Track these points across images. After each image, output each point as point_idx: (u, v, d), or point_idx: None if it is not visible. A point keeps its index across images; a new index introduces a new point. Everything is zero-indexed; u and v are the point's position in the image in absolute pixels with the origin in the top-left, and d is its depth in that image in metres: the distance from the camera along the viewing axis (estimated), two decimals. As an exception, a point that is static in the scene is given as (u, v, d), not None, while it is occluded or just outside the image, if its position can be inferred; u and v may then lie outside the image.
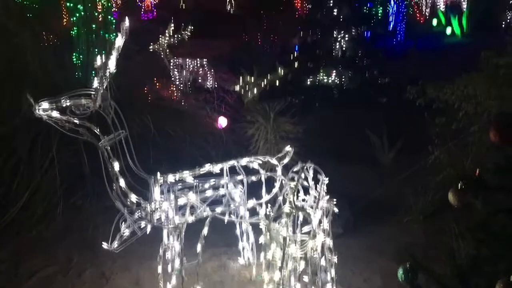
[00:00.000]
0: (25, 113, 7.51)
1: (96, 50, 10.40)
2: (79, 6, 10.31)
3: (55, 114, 4.44)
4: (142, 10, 26.55)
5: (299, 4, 22.80)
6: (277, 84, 15.27)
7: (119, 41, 4.85)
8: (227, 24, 22.98)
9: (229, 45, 19.77)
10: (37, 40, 10.19)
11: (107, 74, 4.53)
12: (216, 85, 14.49)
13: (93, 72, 9.64)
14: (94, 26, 10.52)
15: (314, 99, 15.17)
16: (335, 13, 15.95)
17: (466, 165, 6.48)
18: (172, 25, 14.47)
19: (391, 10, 22.85)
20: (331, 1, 16.35)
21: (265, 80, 15.11)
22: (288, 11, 22.15)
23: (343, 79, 16.12)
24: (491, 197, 3.76)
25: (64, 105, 4.44)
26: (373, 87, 15.77)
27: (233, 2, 26.56)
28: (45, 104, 4.43)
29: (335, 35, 16.05)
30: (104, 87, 4.55)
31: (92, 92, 4.52)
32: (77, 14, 10.43)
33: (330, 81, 16.48)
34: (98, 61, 4.75)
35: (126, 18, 5.04)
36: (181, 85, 14.27)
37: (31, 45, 9.47)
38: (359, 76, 16.03)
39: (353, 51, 16.82)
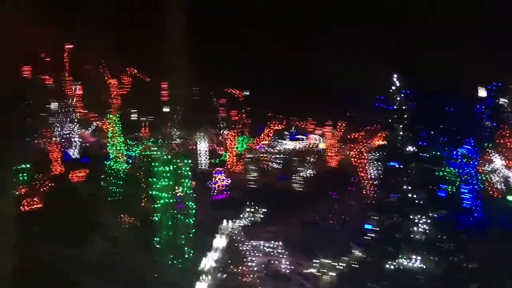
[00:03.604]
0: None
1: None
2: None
3: None
4: (215, 192, 28.18)
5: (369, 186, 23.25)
6: (356, 265, 14.57)
7: (219, 241, 4.99)
8: (298, 202, 23.69)
9: (300, 223, 19.92)
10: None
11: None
12: (291, 268, 14.09)
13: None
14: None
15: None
16: (411, 196, 15.81)
17: None
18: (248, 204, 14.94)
19: (464, 195, 22.10)
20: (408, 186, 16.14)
21: (342, 263, 14.54)
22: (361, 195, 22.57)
23: (426, 264, 15.10)
24: None
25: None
26: (461, 271, 14.53)
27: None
28: None
29: (413, 217, 15.63)
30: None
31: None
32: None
33: (411, 264, 15.49)
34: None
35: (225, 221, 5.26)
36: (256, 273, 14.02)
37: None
38: (444, 261, 14.95)
39: (434, 234, 16.00)
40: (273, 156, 34.38)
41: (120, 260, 14.48)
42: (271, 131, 35.15)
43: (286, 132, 41.80)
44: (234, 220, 16.09)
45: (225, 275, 15.02)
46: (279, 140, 38.86)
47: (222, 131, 35.82)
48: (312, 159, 33.34)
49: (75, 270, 13.63)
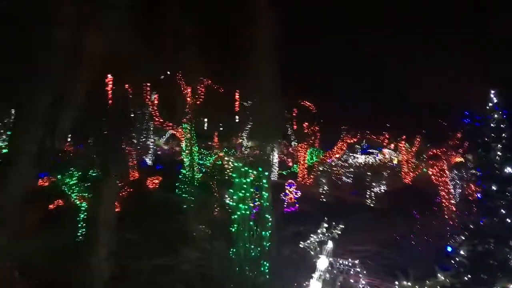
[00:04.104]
0: None
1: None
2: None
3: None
4: (285, 204, 27.92)
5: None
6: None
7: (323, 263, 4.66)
8: (373, 219, 22.82)
9: (378, 241, 19.04)
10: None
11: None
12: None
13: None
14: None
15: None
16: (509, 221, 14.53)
17: None
18: (325, 225, 14.48)
19: None
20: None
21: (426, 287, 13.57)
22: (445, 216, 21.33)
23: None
24: None
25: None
26: None
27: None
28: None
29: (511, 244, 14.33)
30: None
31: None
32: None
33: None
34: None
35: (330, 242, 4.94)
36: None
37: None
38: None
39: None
40: (344, 170, 33.60)
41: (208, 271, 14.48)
42: (344, 145, 34.44)
43: (358, 146, 40.80)
44: (311, 235, 15.53)
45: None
46: (351, 154, 38.05)
47: (293, 142, 35.64)
48: (385, 174, 32.16)
49: (166, 278, 13.80)
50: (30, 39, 11.23)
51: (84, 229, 17.76)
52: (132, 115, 31.57)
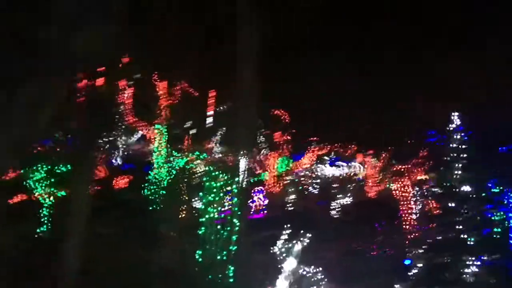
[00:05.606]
0: None
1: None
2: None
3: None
4: (252, 210, 28.23)
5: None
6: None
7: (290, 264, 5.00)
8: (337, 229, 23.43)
9: (340, 251, 19.63)
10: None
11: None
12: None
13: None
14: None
15: None
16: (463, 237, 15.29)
17: None
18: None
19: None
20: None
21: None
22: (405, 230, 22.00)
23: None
24: None
25: None
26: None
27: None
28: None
29: (465, 259, 15.08)
30: None
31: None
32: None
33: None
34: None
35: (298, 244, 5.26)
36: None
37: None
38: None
39: (486, 278, 15.37)
40: (312, 181, 34.13)
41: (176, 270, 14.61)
42: (313, 156, 35.02)
43: (326, 158, 41.52)
44: (277, 241, 15.92)
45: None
46: (319, 165, 38.66)
47: (263, 150, 35.97)
48: (351, 187, 32.91)
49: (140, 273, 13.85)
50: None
51: (49, 225, 17.57)
52: (105, 112, 31.12)
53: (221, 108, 33.49)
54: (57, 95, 11.69)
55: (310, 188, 34.72)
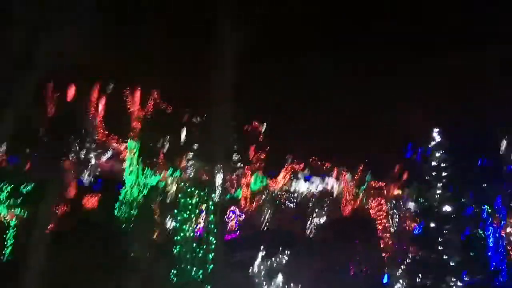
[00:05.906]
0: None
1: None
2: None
3: None
4: (227, 230, 27.42)
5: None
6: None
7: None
8: (312, 246, 23.01)
9: (316, 269, 19.17)
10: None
11: None
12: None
13: None
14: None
15: None
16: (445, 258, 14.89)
17: None
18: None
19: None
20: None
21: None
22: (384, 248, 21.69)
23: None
24: None
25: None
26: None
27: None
28: None
29: (447, 279, 14.71)
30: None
31: None
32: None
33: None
34: None
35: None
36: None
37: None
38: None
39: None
40: (287, 196, 33.79)
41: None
42: (288, 172, 34.81)
43: (301, 174, 41.31)
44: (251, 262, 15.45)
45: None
46: (295, 181, 38.39)
47: (238, 166, 35.47)
48: (326, 203, 32.69)
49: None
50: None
51: (12, 247, 16.54)
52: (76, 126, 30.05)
53: (195, 123, 33.02)
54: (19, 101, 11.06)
55: (286, 203, 34.30)
